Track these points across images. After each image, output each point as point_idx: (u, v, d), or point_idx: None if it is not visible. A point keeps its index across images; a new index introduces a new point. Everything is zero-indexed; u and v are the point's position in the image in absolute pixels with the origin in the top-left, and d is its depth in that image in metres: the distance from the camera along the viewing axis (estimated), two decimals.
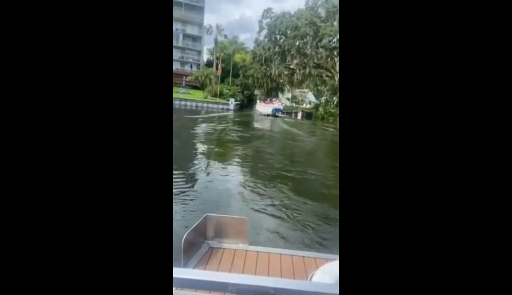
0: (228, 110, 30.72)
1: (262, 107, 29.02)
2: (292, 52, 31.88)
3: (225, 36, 35.54)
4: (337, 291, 0.58)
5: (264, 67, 34.53)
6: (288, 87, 43.03)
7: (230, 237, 1.99)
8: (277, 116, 27.06)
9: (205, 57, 43.59)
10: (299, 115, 33.45)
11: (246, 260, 1.81)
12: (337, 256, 1.45)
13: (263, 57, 33.60)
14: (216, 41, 34.72)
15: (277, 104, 29.92)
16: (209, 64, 42.11)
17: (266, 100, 32.07)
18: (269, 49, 32.31)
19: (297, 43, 30.81)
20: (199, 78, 31.44)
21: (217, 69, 33.84)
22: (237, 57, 40.55)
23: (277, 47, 32.13)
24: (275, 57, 32.35)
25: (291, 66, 35.48)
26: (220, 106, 30.83)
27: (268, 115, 27.22)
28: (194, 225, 1.84)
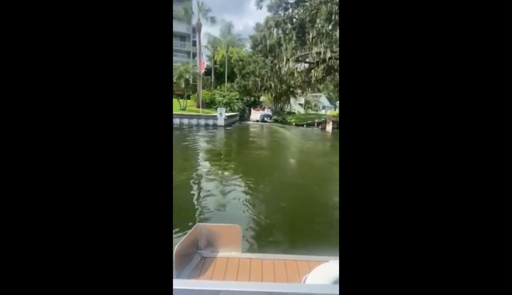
0: (214, 126, 16.74)
1: (254, 114, 27.16)
2: (313, 33, 17.86)
3: (212, 20, 22.47)
4: (329, 291, 0.57)
5: (270, 59, 20.87)
6: (300, 90, 28.84)
7: (223, 246, 1.72)
8: (266, 121, 25.57)
9: (204, 64, 30.19)
10: (329, 127, 19.21)
11: (240, 268, 1.58)
12: (329, 258, 1.37)
13: (268, 44, 19.80)
14: (199, 27, 21.51)
15: (266, 111, 28.12)
16: (208, 72, 29.00)
17: (257, 107, 29.00)
18: (276, 26, 18.37)
19: (319, 20, 16.68)
20: None
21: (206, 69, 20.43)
22: (232, 52, 26.93)
23: (288, 24, 18.10)
24: (286, 39, 18.34)
25: (308, 59, 21.68)
26: (202, 122, 16.88)
27: (257, 121, 25.57)
28: (185, 236, 1.57)
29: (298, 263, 1.59)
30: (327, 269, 1.22)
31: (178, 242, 1.47)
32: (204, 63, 20.33)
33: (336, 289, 0.57)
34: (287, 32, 18.52)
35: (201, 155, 8.84)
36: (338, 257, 0.58)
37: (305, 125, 22.54)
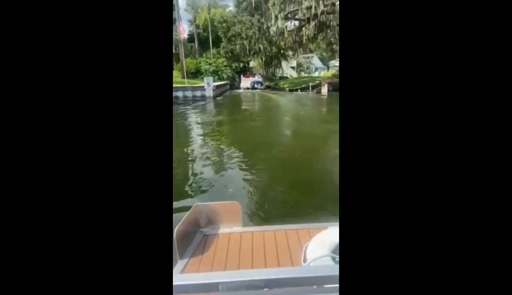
0: (202, 98, 15.50)
1: (243, 81, 25.43)
2: None
3: None
4: (329, 272, 0.57)
5: (257, 18, 18.72)
6: (291, 52, 26.95)
7: (223, 222, 1.68)
8: (256, 88, 24.24)
9: (187, 29, 27.13)
10: (324, 90, 18.07)
11: (242, 242, 1.53)
12: (328, 224, 1.42)
13: (253, 1, 17.57)
14: None
15: (256, 77, 26.56)
16: (191, 38, 26.23)
17: (246, 74, 27.18)
18: None
19: None
20: None
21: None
22: (214, 14, 24.22)
23: None
24: None
25: (297, 16, 19.60)
26: (189, 94, 15.58)
27: (247, 88, 24.23)
28: (185, 216, 1.52)
29: (299, 232, 1.56)
30: (326, 237, 1.20)
31: (179, 223, 1.42)
32: (182, 27, 18.15)
33: (336, 269, 0.54)
34: None
35: (190, 134, 7.89)
36: (337, 224, 0.56)
37: (299, 90, 21.20)
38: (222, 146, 5.98)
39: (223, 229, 1.65)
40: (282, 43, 22.84)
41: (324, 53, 35.02)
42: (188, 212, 1.56)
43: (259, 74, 28.48)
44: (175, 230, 1.39)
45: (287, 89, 22.12)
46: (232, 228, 1.66)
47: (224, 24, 22.16)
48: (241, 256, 1.40)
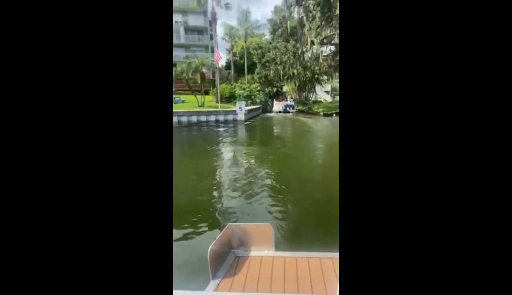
0: (234, 121, 15.26)
1: (276, 105, 25.15)
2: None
3: (227, 6, 20.60)
4: None
5: (292, 43, 18.57)
6: (326, 77, 26.12)
7: (255, 245, 1.67)
8: (288, 112, 23.77)
9: (225, 57, 28.45)
10: None
11: (274, 267, 1.51)
12: None
13: (288, 26, 17.53)
14: (214, 16, 19.86)
15: (288, 101, 26.30)
16: (228, 66, 27.42)
17: (279, 98, 26.95)
18: (297, 3, 16.04)
19: None
20: (184, 74, 16.58)
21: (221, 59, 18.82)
22: (251, 43, 24.89)
23: (313, 4, 15.63)
24: (309, 18, 15.94)
25: (334, 41, 19.02)
26: (221, 118, 15.48)
27: (279, 111, 23.94)
28: (218, 236, 1.57)
29: (334, 261, 1.46)
30: None
31: (212, 242, 1.41)
32: (219, 54, 18.70)
33: None
34: (310, 9, 16.03)
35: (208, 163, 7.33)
36: None
37: (334, 115, 20.01)
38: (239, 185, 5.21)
39: (255, 252, 1.60)
40: (316, 68, 22.29)
41: None
42: (221, 232, 1.54)
43: (291, 98, 28.03)
44: (209, 249, 1.37)
45: (321, 113, 21.10)
46: (264, 251, 1.60)
47: (259, 51, 22.59)
48: (273, 282, 1.35)
